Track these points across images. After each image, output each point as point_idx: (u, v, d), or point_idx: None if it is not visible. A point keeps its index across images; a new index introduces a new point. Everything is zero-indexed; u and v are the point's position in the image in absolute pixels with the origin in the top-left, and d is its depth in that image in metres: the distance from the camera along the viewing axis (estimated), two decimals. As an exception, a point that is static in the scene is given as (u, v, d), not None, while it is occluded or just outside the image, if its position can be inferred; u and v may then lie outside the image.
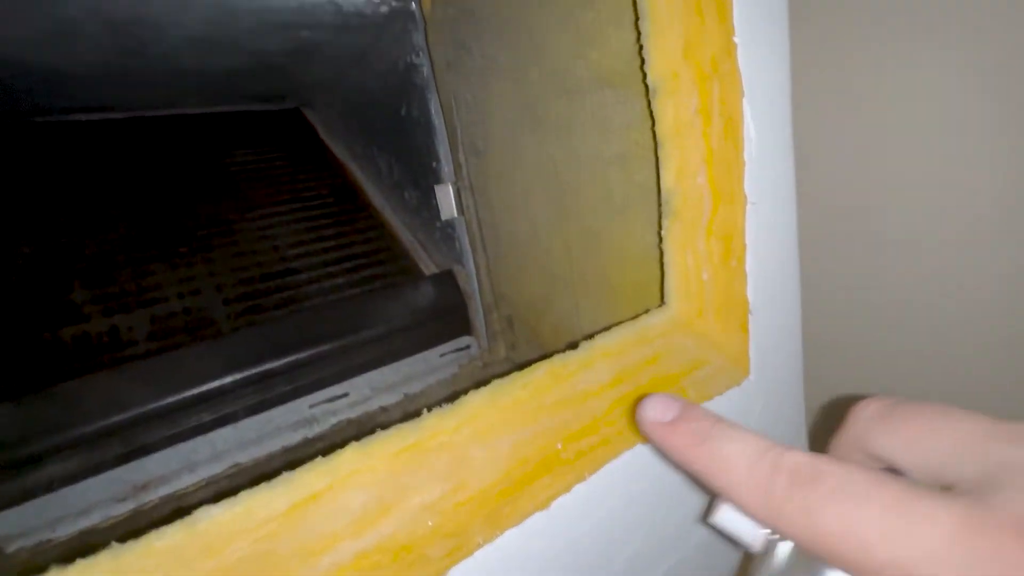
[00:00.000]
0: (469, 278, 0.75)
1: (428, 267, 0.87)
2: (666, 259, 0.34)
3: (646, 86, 0.32)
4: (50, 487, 0.52)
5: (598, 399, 0.27)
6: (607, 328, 0.31)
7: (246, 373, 0.62)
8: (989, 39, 0.33)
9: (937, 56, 0.37)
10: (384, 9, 0.64)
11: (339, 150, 1.06)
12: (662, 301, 0.35)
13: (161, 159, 0.92)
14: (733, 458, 0.17)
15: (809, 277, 0.36)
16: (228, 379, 0.61)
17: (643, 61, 0.31)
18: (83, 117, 0.93)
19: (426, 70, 0.67)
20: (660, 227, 0.35)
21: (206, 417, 0.60)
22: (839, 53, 0.40)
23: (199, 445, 0.59)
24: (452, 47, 0.59)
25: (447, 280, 0.81)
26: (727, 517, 0.18)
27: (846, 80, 0.41)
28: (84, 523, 0.52)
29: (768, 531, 0.18)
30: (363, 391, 0.70)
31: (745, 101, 0.29)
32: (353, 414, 0.65)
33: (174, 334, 0.68)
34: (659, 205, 0.34)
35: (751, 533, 0.18)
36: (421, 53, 0.67)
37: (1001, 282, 0.36)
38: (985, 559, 0.12)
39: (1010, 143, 0.34)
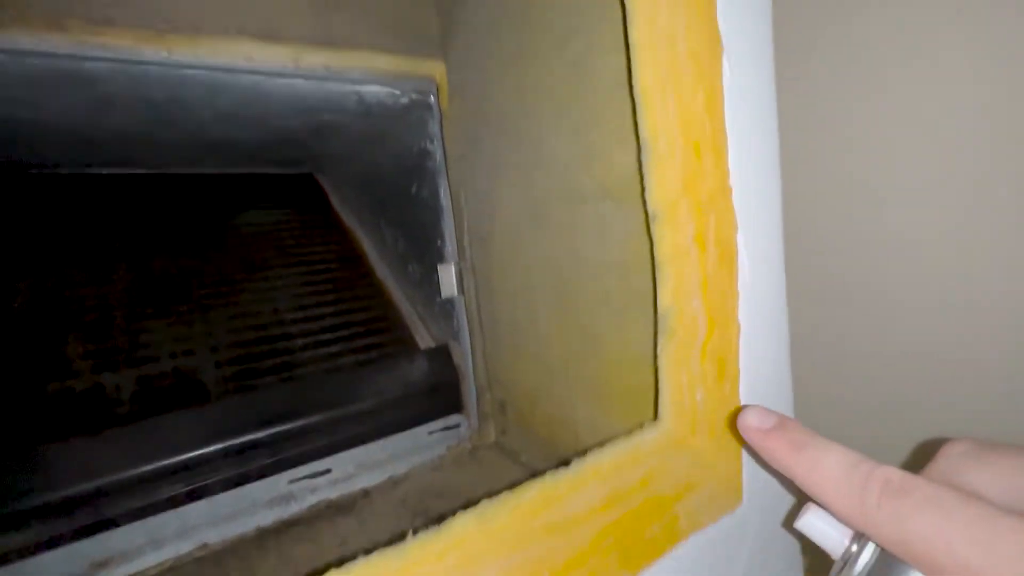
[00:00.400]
0: (464, 356, 0.75)
1: (425, 340, 0.88)
2: (661, 375, 0.34)
3: (646, 210, 0.34)
4: (5, 559, 0.49)
5: (589, 525, 0.27)
6: (600, 444, 0.31)
7: (227, 444, 0.60)
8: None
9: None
10: (404, 101, 0.69)
11: (348, 217, 1.10)
12: (656, 414, 0.35)
13: (176, 215, 0.94)
14: (829, 466, 0.19)
15: (804, 399, 0.36)
16: (207, 449, 0.59)
17: (643, 188, 0.34)
18: (105, 171, 0.97)
19: (438, 156, 0.70)
20: (655, 341, 0.36)
21: (179, 488, 0.58)
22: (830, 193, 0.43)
23: (168, 519, 0.57)
24: (465, 140, 0.62)
25: (442, 355, 0.81)
26: (812, 523, 0.20)
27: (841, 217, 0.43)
28: (31, 604, 0.48)
29: (850, 538, 0.19)
30: (347, 468, 0.67)
31: (739, 235, 0.31)
32: (333, 494, 0.63)
33: (160, 396, 0.67)
34: (655, 318, 0.35)
35: (834, 539, 0.20)
36: (435, 141, 0.71)
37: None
38: None
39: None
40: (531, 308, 0.54)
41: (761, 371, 0.32)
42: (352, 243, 1.05)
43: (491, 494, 0.26)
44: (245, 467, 0.62)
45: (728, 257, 0.31)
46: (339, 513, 0.57)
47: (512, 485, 0.27)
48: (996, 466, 0.18)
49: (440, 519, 0.25)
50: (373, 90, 0.65)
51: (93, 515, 0.54)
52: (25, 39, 0.42)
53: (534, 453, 0.63)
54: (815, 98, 0.37)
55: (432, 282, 0.81)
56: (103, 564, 0.53)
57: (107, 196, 0.92)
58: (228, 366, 0.73)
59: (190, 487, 0.59)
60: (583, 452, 0.31)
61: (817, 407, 0.40)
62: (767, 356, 0.32)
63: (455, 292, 0.72)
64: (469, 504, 0.25)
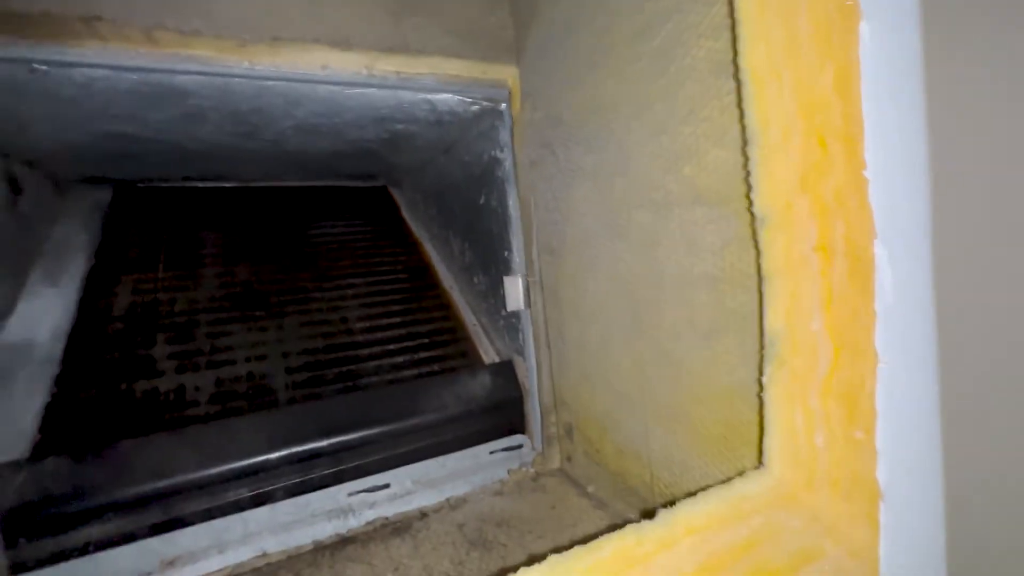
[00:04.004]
0: (529, 373, 0.71)
1: (488, 354, 0.85)
2: (767, 411, 0.28)
3: (751, 212, 0.29)
4: (85, 550, 0.51)
5: (679, 597, 0.22)
6: (690, 493, 0.26)
7: (291, 451, 0.60)
8: None
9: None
10: (475, 108, 0.67)
11: (417, 229, 1.11)
12: (760, 459, 0.29)
13: (259, 226, 0.99)
14: None
15: (959, 453, 0.29)
16: (273, 455, 0.59)
17: (749, 187, 0.28)
18: (199, 184, 1.04)
19: (508, 165, 0.68)
20: (760, 370, 0.30)
21: (245, 493, 0.58)
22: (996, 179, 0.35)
23: (232, 523, 0.57)
24: (537, 147, 0.59)
25: (506, 371, 0.77)
26: None
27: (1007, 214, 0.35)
28: (105, 598, 0.50)
29: None
30: (405, 484, 0.65)
31: (877, 242, 0.25)
32: (391, 511, 0.60)
33: (234, 399, 0.68)
34: (760, 344, 0.30)
35: None
36: (506, 149, 0.68)
37: None
38: None
39: None
40: (604, 327, 0.49)
41: (905, 413, 0.25)
42: (421, 255, 1.05)
43: (558, 549, 0.21)
44: (307, 475, 0.62)
45: (861, 270, 0.25)
46: (395, 534, 0.54)
47: (585, 539, 0.22)
48: None
49: (499, 555, 0.21)
50: (444, 98, 0.64)
51: (166, 512, 0.55)
52: (124, 53, 0.45)
53: (602, 485, 0.57)
54: (980, 68, 0.29)
55: (498, 294, 0.79)
56: (172, 563, 0.54)
57: (202, 207, 0.99)
58: (297, 372, 0.74)
59: (254, 492, 0.59)
60: (670, 501, 0.25)
61: (975, 461, 0.32)
62: (912, 395, 0.26)
63: (521, 305, 0.69)
64: (534, 559, 0.21)
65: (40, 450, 0.57)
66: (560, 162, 0.53)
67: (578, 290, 0.53)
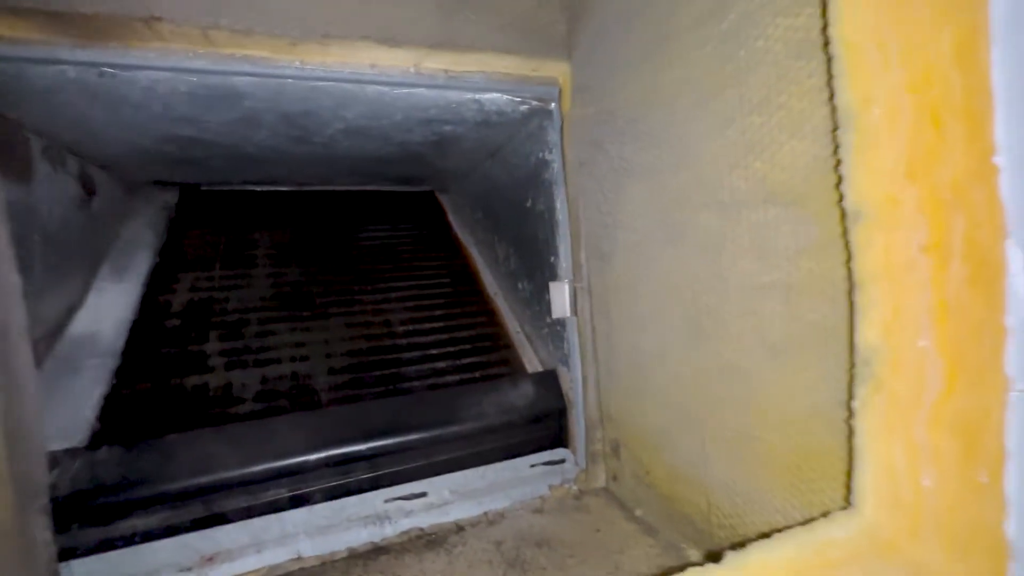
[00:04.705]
0: (574, 384, 0.68)
1: (532, 362, 0.82)
2: (858, 441, 0.24)
3: (841, 207, 0.25)
4: (130, 540, 0.52)
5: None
6: (765, 535, 0.22)
7: (331, 452, 0.60)
8: None
9: None
10: (524, 108, 0.65)
11: (463, 234, 1.10)
12: (848, 498, 0.25)
13: (308, 228, 1.01)
14: None
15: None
16: (313, 456, 0.59)
17: (839, 179, 0.24)
18: (257, 188, 1.08)
19: (556, 167, 0.65)
20: (849, 392, 0.26)
21: (283, 493, 0.58)
22: None
23: (270, 523, 0.57)
24: (587, 146, 0.56)
25: (549, 381, 0.74)
26: None
27: None
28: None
29: None
30: (443, 493, 0.63)
31: (1010, 243, 0.20)
32: (426, 522, 0.58)
33: (277, 398, 0.69)
34: (849, 362, 0.25)
35: None
36: (554, 150, 0.66)
37: None
38: None
39: None
40: (659, 338, 0.45)
41: (1044, 456, 0.20)
42: (465, 259, 1.04)
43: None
44: (344, 479, 0.61)
45: (986, 275, 0.21)
46: (429, 547, 0.52)
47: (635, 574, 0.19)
48: None
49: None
50: (493, 97, 0.63)
51: (207, 508, 0.56)
52: (183, 54, 0.46)
53: (652, 509, 0.53)
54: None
55: (543, 301, 0.76)
56: (211, 559, 0.54)
57: (257, 210, 1.02)
58: (339, 374, 0.74)
59: (293, 492, 0.59)
60: (740, 543, 0.22)
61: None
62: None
63: (567, 312, 0.65)
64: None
65: (98, 439, 0.59)
66: (612, 161, 0.50)
67: (630, 297, 0.49)
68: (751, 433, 0.36)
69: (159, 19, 0.40)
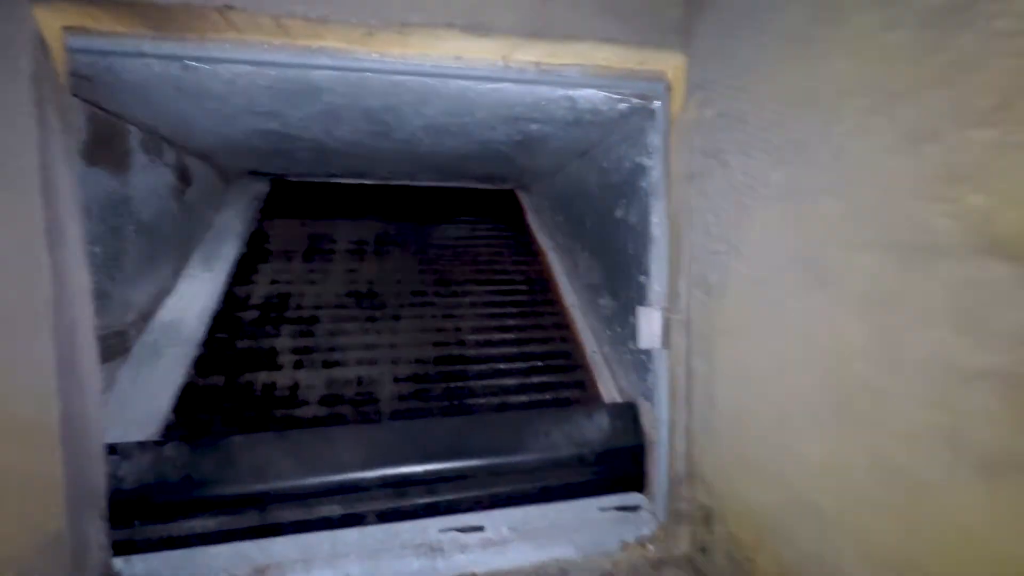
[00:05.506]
0: (657, 425, 0.59)
1: (608, 389, 0.74)
2: None
3: None
4: (188, 542, 0.52)
5: None
6: None
7: (388, 472, 0.56)
8: None
9: None
10: (623, 107, 0.57)
11: (542, 237, 1.03)
12: None
13: (388, 223, 0.99)
14: None
15: None
16: (369, 474, 0.56)
17: None
18: (342, 180, 1.08)
19: (657, 175, 0.56)
20: None
21: (337, 511, 0.55)
22: None
23: (323, 540, 0.54)
24: (700, 155, 0.47)
25: (628, 415, 0.66)
26: None
27: None
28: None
29: None
30: (501, 530, 0.58)
31: None
32: (481, 566, 0.53)
33: (340, 403, 0.67)
34: None
35: None
36: (655, 155, 0.56)
37: None
38: None
39: None
40: (783, 403, 0.36)
41: None
42: (543, 265, 0.97)
43: None
44: (400, 502, 0.57)
45: None
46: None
47: None
48: None
49: None
50: (588, 94, 0.55)
51: (263, 518, 0.54)
52: (259, 46, 0.43)
53: (748, 599, 0.43)
54: None
55: (626, 323, 0.67)
56: (262, 571, 0.52)
57: (341, 202, 1.02)
58: (404, 383, 0.71)
59: (347, 511, 0.56)
60: None
61: None
62: None
63: (657, 344, 0.56)
64: None
65: (170, 432, 0.60)
66: (733, 176, 0.41)
67: (743, 344, 0.40)
68: (919, 564, 0.26)
69: (232, 7, 0.37)
